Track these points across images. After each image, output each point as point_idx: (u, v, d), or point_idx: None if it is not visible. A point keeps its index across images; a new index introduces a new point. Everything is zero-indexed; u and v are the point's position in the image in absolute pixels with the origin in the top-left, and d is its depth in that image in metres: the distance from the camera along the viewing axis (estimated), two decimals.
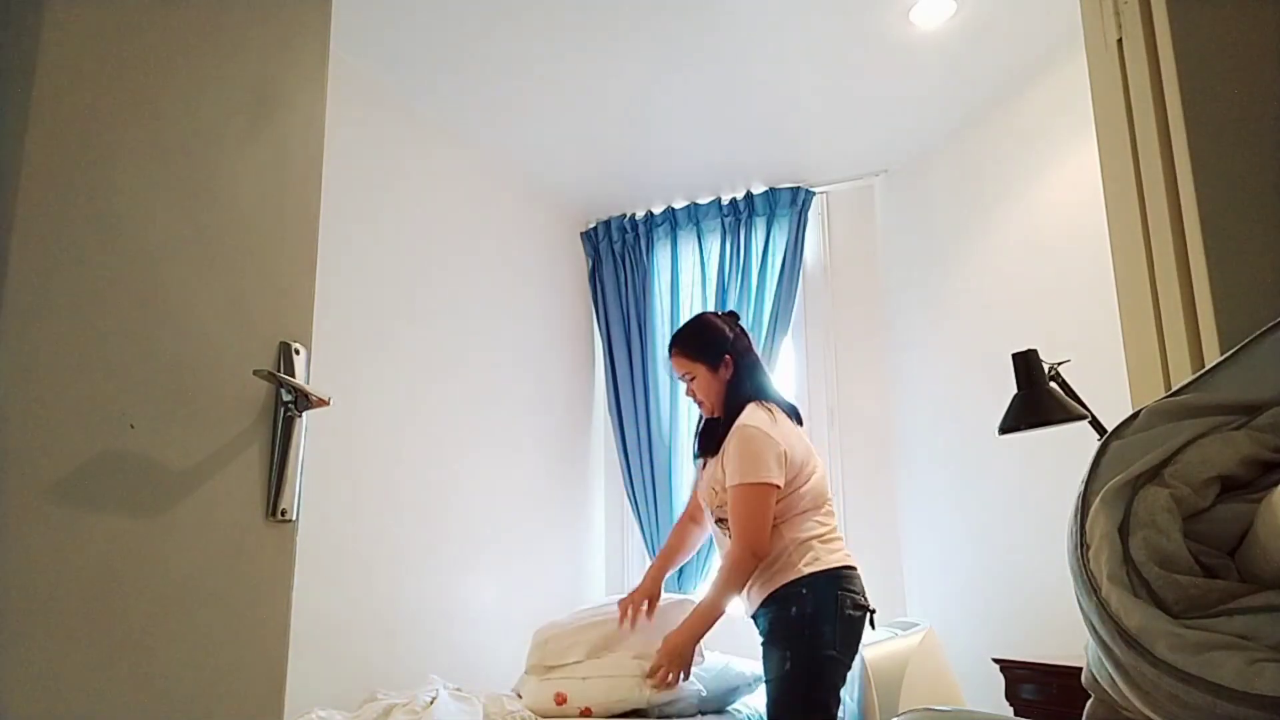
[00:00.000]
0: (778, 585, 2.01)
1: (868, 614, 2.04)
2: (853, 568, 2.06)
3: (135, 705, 0.86)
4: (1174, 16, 1.15)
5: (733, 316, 2.30)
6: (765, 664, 2.03)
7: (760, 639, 2.07)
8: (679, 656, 2.10)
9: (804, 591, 1.97)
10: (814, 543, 2.02)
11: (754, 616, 2.11)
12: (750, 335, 2.30)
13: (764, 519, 2.00)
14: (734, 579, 2.04)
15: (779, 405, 2.18)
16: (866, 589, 2.08)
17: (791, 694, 1.94)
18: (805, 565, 1.99)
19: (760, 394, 2.18)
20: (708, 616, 2.08)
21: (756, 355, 2.27)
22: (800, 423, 2.24)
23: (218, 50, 1.04)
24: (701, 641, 2.16)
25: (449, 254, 3.22)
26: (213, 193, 1.01)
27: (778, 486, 2.01)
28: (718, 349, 2.18)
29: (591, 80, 3.00)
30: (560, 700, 2.26)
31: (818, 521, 2.07)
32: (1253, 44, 1.14)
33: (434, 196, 3.19)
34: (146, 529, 0.89)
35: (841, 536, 2.12)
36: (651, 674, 2.11)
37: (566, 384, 3.85)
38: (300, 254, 1.11)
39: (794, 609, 1.96)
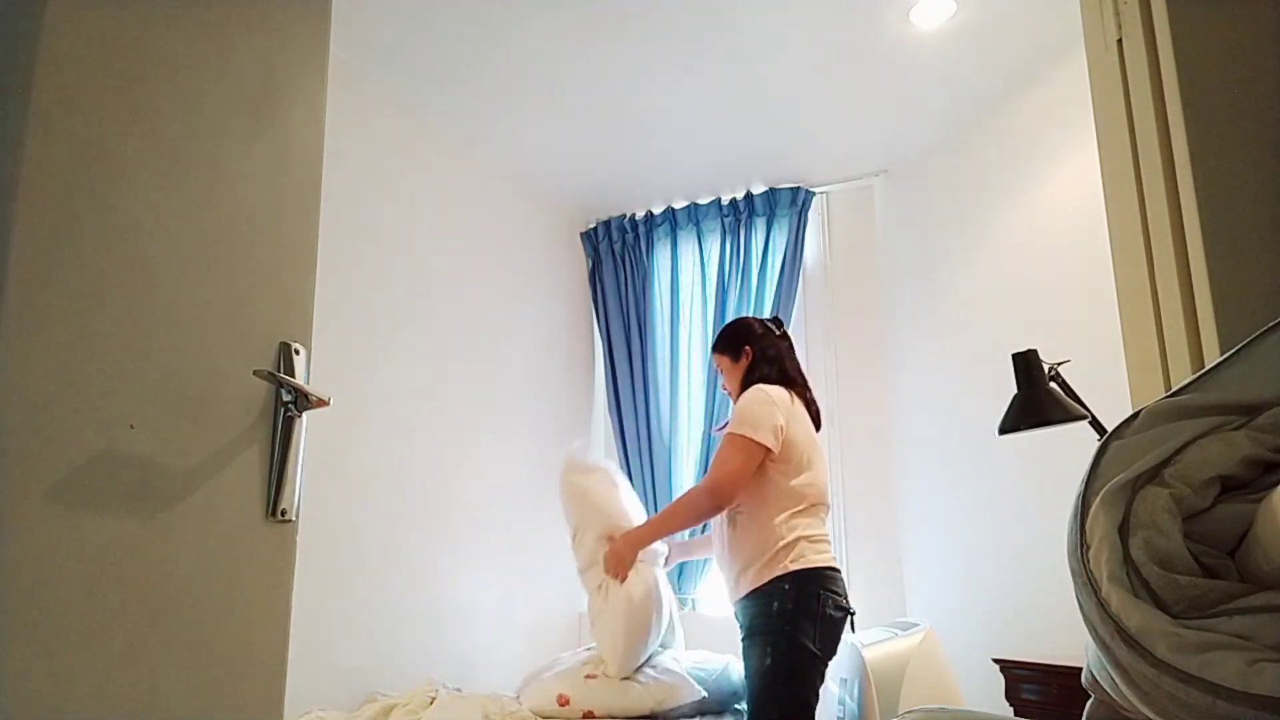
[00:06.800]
0: (764, 580, 2.05)
1: (848, 616, 2.09)
2: (836, 570, 2.12)
3: (135, 705, 0.86)
4: (1174, 16, 1.15)
5: (775, 321, 2.42)
6: (746, 659, 2.07)
7: (741, 634, 2.11)
8: (620, 559, 2.24)
9: (786, 587, 2.02)
10: (802, 542, 2.08)
11: (736, 610, 2.15)
12: (789, 339, 2.40)
13: (741, 469, 2.06)
14: (685, 511, 2.17)
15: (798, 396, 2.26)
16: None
17: (772, 689, 1.98)
18: (791, 562, 2.04)
19: (777, 381, 2.25)
20: (651, 533, 2.25)
21: (782, 353, 2.34)
22: (818, 425, 2.29)
23: (218, 51, 1.04)
24: (653, 546, 2.30)
25: (449, 254, 3.22)
26: (213, 193, 1.01)
27: (768, 450, 2.07)
28: (739, 342, 2.34)
29: (592, 80, 3.00)
30: (563, 702, 2.26)
31: (810, 525, 2.12)
32: (1253, 44, 1.14)
33: (434, 196, 3.19)
34: (146, 529, 0.89)
35: (830, 542, 2.18)
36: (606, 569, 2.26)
37: (566, 384, 3.85)
38: (300, 254, 1.11)
39: (775, 604, 2.01)
